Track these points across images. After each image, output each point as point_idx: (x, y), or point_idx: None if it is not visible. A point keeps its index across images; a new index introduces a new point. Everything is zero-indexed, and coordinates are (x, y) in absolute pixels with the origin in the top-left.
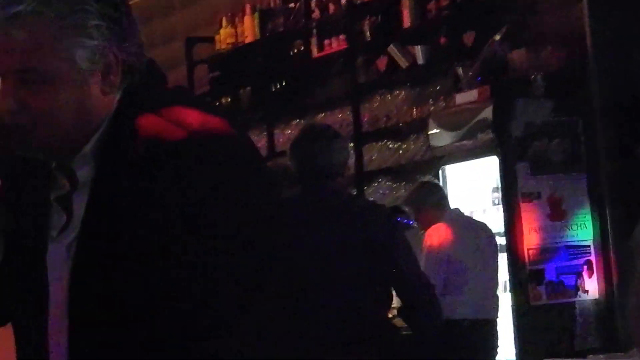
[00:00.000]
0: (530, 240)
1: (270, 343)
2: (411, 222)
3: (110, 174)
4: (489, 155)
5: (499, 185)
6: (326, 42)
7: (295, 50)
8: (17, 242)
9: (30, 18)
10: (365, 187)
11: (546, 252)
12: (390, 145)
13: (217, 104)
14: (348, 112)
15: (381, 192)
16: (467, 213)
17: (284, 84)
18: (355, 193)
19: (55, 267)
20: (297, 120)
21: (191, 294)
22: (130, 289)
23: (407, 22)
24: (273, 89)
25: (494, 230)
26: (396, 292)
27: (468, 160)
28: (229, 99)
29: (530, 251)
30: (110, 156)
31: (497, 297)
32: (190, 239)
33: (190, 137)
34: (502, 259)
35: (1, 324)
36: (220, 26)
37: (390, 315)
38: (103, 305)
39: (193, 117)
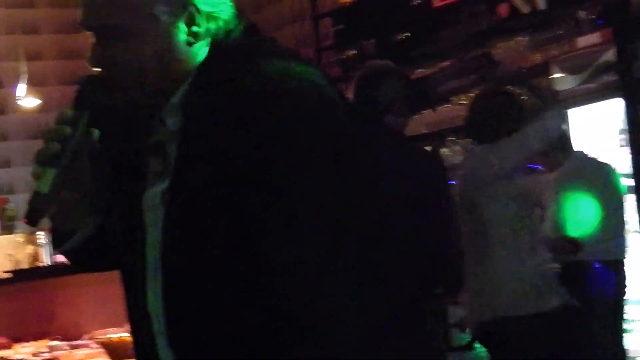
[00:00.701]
0: None
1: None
2: (539, 167)
3: (199, 123)
4: (613, 97)
5: (626, 127)
6: None
7: (418, 1)
8: (118, 189)
9: None
10: None
11: None
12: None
13: (343, 56)
14: (472, 59)
15: None
16: (595, 154)
17: (407, 34)
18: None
19: (151, 212)
20: (422, 70)
21: (278, 240)
22: (219, 238)
23: None
24: (396, 40)
25: (622, 172)
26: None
27: (592, 102)
28: (354, 51)
29: None
30: (199, 106)
31: (625, 237)
32: (278, 185)
33: (277, 87)
34: (631, 200)
35: (109, 268)
36: None
37: None
38: (193, 251)
39: (280, 67)
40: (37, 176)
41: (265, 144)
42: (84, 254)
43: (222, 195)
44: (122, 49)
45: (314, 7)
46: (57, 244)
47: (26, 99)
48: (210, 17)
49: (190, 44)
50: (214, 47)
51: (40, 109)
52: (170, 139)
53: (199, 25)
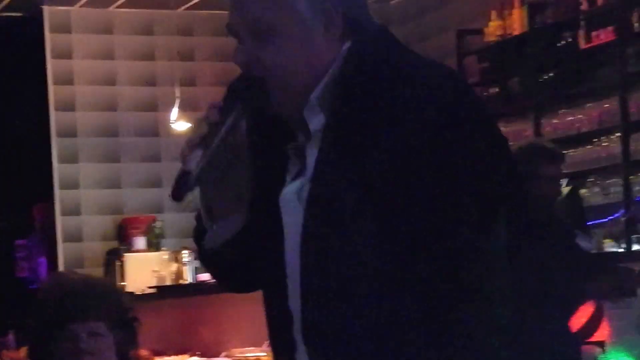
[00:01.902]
0: None
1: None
2: None
3: (344, 121)
4: None
5: None
6: (594, 33)
7: (563, 42)
8: (258, 188)
9: None
10: (632, 177)
11: None
12: None
13: (487, 93)
14: (615, 102)
15: None
16: None
17: (551, 74)
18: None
19: (289, 210)
20: (565, 110)
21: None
22: (363, 237)
23: None
24: (541, 79)
25: None
26: None
27: None
28: (498, 89)
29: None
30: (344, 103)
31: None
32: (432, 188)
33: (432, 83)
34: None
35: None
36: (490, 19)
37: None
38: (333, 252)
39: (425, 65)
40: (184, 155)
41: (438, 131)
42: (226, 258)
43: (374, 194)
44: (265, 47)
45: (460, 45)
46: (202, 241)
47: (178, 122)
48: (347, 17)
49: (328, 42)
50: (356, 45)
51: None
52: (310, 138)
53: (336, 26)
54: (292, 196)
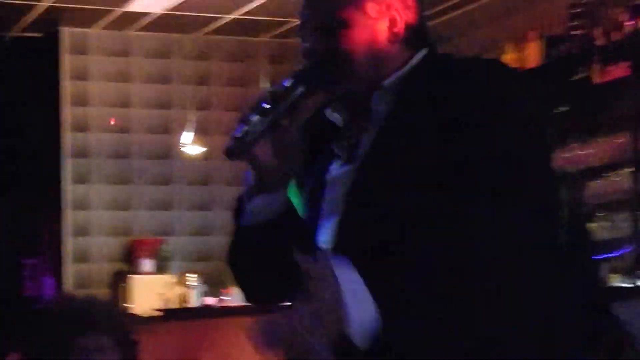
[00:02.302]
0: None
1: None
2: None
3: (410, 107)
4: None
5: None
6: (608, 68)
7: (578, 76)
8: (308, 169)
9: None
10: None
11: None
12: None
13: None
14: (628, 137)
15: None
16: None
17: (564, 108)
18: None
19: (331, 191)
20: (577, 144)
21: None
22: (405, 223)
23: None
24: (555, 112)
25: None
26: None
27: None
28: None
29: None
30: (412, 91)
31: None
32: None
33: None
34: None
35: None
36: (504, 51)
37: None
38: (372, 237)
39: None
40: (241, 120)
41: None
42: (257, 244)
43: (424, 180)
44: (334, 38)
45: None
46: (243, 217)
47: (191, 146)
48: (411, 27)
49: (391, 41)
50: (431, 48)
51: (204, 157)
52: (371, 127)
53: (399, 29)
54: (340, 176)
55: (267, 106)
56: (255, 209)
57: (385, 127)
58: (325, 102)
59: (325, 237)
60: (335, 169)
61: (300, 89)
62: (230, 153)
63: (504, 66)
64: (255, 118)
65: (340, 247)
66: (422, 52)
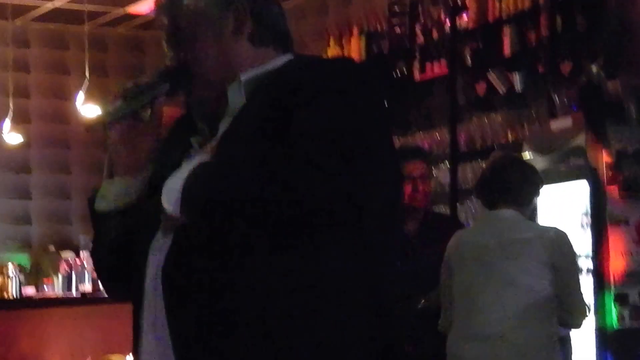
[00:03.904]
0: (617, 264)
1: None
2: None
3: (260, 100)
4: (579, 179)
5: (588, 209)
6: (428, 65)
7: (399, 72)
8: (155, 174)
9: None
10: (459, 204)
11: (632, 276)
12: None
13: None
14: (445, 133)
15: (474, 210)
16: None
17: (386, 103)
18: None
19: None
20: (397, 138)
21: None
22: (245, 202)
23: (507, 49)
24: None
25: (582, 253)
26: None
27: (559, 183)
28: None
29: (616, 275)
30: (265, 86)
31: None
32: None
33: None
34: (589, 282)
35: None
36: (328, 45)
37: None
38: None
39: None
40: (108, 102)
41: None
42: (112, 230)
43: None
44: (188, 48)
45: None
46: (101, 203)
47: (10, 134)
48: (267, 27)
49: (240, 43)
50: (295, 57)
51: (23, 145)
52: (226, 116)
53: (256, 33)
54: (193, 165)
55: (131, 95)
56: (109, 195)
57: (238, 118)
58: (190, 101)
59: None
60: (191, 159)
61: (163, 86)
62: (89, 127)
63: (353, 63)
64: (118, 103)
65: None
66: (287, 56)
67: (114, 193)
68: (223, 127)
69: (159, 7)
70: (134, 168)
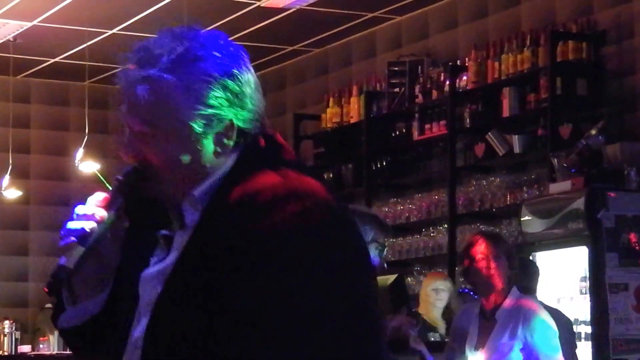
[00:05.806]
0: (616, 330)
1: None
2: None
3: (213, 219)
4: (579, 245)
5: (587, 275)
6: (427, 126)
7: (397, 132)
8: (123, 268)
9: (158, 82)
10: (457, 268)
11: (631, 343)
12: (483, 229)
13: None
14: (444, 194)
15: None
16: (555, 299)
17: (384, 163)
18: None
19: (146, 290)
20: (395, 199)
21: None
22: (207, 323)
23: (506, 111)
24: (374, 167)
25: (580, 319)
26: None
27: (558, 248)
28: (331, 174)
29: (615, 341)
30: (215, 203)
31: None
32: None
33: (290, 192)
34: (587, 348)
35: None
36: (328, 105)
37: None
38: (179, 333)
39: (293, 178)
40: (65, 250)
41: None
42: (84, 336)
43: (222, 290)
44: (152, 148)
45: (297, 129)
46: (60, 320)
47: (9, 190)
48: (242, 132)
49: (217, 153)
50: (243, 155)
51: (21, 201)
52: (185, 230)
53: (230, 139)
54: (154, 275)
55: (88, 233)
56: (70, 315)
57: (192, 239)
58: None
59: (138, 334)
60: (153, 266)
61: (115, 210)
62: (54, 292)
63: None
64: (74, 247)
65: (151, 344)
66: (233, 157)
67: (75, 315)
68: (181, 239)
69: None
70: (98, 292)
